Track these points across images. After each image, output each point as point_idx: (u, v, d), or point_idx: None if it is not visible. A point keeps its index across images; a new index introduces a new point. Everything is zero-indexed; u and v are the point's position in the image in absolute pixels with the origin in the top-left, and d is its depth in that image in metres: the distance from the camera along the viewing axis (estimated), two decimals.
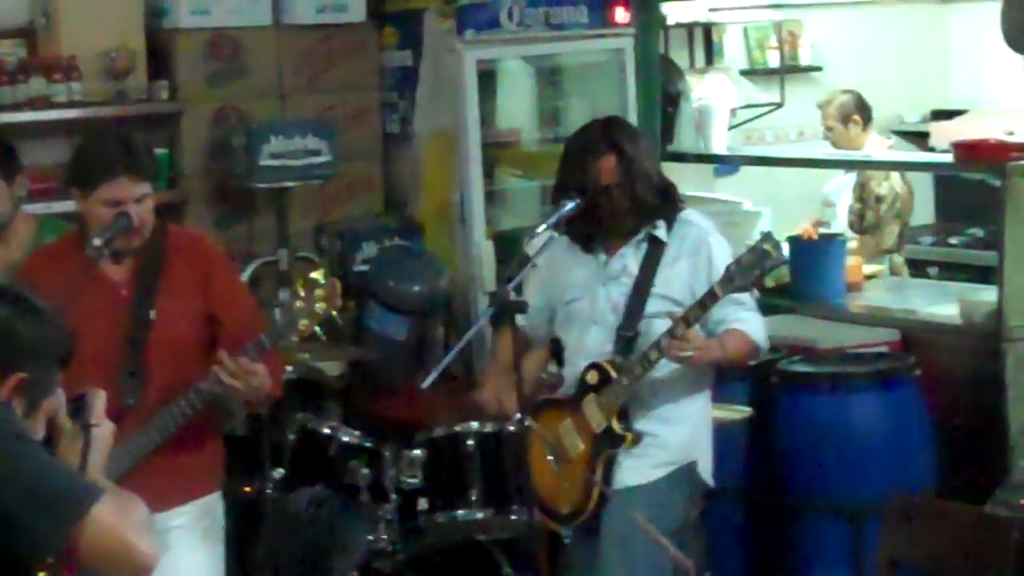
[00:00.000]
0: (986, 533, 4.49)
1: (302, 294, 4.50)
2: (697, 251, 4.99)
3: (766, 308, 6.29)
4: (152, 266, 4.67)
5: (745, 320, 4.95)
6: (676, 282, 4.98)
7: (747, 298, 4.96)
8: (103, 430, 3.24)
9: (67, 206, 5.03)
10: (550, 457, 5.03)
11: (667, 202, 5.06)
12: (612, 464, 4.95)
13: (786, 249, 6.64)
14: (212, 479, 4.82)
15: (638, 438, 4.93)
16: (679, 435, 5.02)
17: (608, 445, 4.93)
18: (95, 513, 2.99)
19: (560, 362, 5.21)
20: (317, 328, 4.55)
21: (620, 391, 4.90)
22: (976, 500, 4.89)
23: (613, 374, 4.91)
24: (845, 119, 7.87)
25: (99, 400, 3.26)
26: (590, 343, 5.03)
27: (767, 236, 4.85)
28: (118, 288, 4.65)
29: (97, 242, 4.51)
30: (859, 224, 7.78)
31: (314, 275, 4.56)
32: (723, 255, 4.96)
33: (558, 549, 5.19)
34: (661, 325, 4.87)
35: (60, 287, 4.23)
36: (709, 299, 4.79)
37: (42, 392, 3.16)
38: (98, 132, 5.20)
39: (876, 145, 7.92)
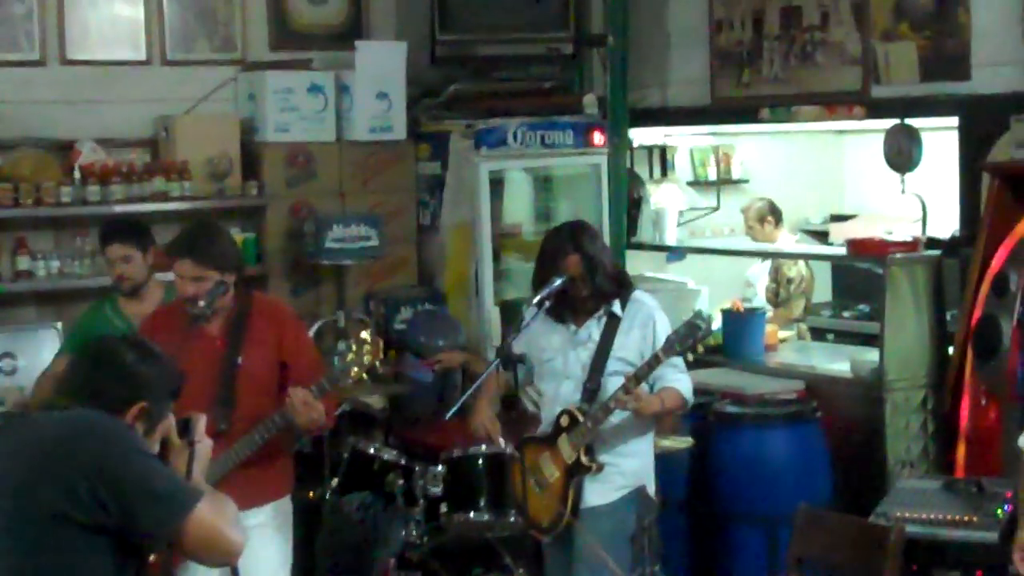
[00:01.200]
0: (870, 537, 4.50)
1: (354, 349, 4.51)
2: (646, 324, 4.93)
3: (705, 363, 6.33)
4: (240, 323, 4.67)
5: (679, 380, 4.89)
6: (630, 348, 4.92)
7: (680, 362, 4.91)
8: (204, 446, 3.24)
9: None
10: (532, 481, 4.98)
11: (620, 286, 5.01)
12: (581, 488, 4.90)
13: (719, 318, 6.72)
14: (284, 486, 4.80)
15: (600, 468, 4.87)
16: (632, 465, 4.96)
17: (578, 473, 4.87)
18: (198, 510, 2.99)
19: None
20: (365, 375, 4.56)
21: (586, 431, 4.84)
22: (862, 512, 4.87)
23: (580, 418, 4.86)
24: (761, 220, 7.85)
25: (201, 422, 3.26)
26: (563, 393, 4.98)
27: (698, 314, 4.84)
28: (214, 340, 4.65)
29: (202, 303, 4.53)
30: (774, 300, 7.78)
31: (364, 335, 4.57)
32: (665, 327, 4.93)
33: (541, 549, 5.16)
34: (617, 381, 4.83)
35: (172, 338, 4.22)
36: (655, 361, 4.76)
37: (158, 417, 3.16)
38: (194, 223, 5.13)
39: (786, 240, 7.92)
